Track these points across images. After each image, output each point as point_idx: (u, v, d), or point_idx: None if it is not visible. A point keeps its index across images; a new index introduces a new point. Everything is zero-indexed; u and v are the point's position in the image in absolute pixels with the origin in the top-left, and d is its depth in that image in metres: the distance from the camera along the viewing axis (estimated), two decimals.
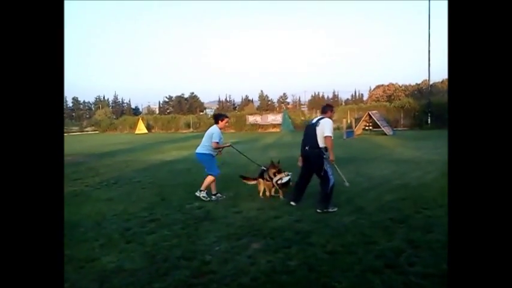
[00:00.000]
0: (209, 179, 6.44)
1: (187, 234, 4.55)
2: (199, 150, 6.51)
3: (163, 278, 3.32)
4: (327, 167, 5.39)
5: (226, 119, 6.62)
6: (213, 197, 6.47)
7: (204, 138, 6.51)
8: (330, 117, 5.62)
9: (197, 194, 6.45)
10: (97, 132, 50.03)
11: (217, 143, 6.32)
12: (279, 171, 6.29)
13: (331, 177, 5.38)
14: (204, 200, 6.30)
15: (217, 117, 6.62)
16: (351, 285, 3.05)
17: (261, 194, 6.55)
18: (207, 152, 6.41)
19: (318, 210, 5.27)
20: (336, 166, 5.67)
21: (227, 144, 6.73)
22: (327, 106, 5.83)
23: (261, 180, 6.55)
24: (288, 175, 6.30)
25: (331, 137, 5.37)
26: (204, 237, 4.41)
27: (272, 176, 6.29)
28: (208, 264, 3.62)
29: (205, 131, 6.71)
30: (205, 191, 6.45)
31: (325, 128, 5.39)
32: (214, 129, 6.42)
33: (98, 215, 5.65)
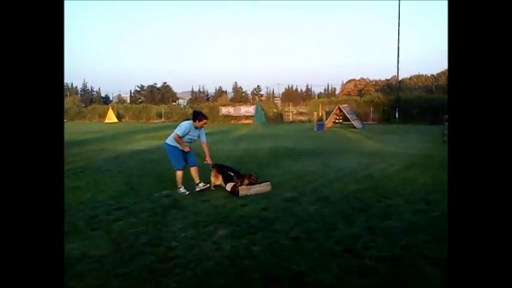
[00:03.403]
0: (177, 173, 6.30)
1: (154, 222, 4.60)
2: (167, 140, 6.45)
3: (128, 264, 3.37)
4: None
5: (204, 121, 6.31)
6: (195, 187, 6.27)
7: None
8: None
9: (184, 192, 6.22)
10: (64, 120, 48.43)
11: (180, 137, 6.16)
12: (251, 183, 6.12)
13: None
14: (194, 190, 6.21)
15: (195, 115, 6.32)
16: (309, 268, 3.21)
17: (212, 186, 6.44)
18: (171, 144, 6.32)
19: None
20: None
21: (186, 147, 6.29)
22: None
23: (219, 174, 6.39)
24: (267, 185, 6.16)
25: None
26: (171, 225, 4.47)
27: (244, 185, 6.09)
28: (174, 249, 3.69)
29: (177, 121, 6.59)
30: (182, 186, 6.27)
31: None
32: (184, 123, 6.32)
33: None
